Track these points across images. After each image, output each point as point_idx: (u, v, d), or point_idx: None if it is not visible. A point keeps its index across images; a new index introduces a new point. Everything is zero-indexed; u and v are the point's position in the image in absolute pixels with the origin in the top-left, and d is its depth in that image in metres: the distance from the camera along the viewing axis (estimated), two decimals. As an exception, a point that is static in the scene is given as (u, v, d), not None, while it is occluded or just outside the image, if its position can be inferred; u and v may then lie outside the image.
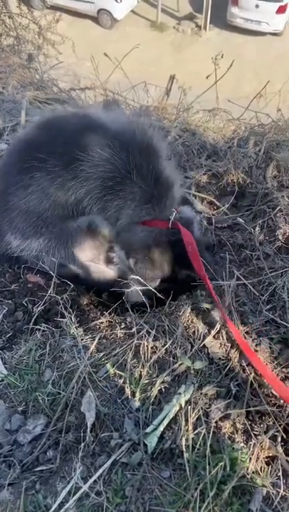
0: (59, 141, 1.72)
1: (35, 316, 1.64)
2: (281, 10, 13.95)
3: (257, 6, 14.01)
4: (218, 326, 1.57)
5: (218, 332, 1.58)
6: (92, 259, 1.89)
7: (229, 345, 1.55)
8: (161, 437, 1.31)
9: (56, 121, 1.88)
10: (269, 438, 1.34)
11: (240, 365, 1.50)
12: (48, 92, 4.07)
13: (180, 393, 1.40)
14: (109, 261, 1.92)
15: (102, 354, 1.54)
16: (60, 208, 1.76)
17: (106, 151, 1.68)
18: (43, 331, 1.60)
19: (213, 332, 1.56)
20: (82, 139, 1.71)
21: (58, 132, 1.76)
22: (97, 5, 14.66)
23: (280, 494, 1.23)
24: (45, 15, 7.75)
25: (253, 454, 1.30)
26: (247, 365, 1.49)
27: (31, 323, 1.63)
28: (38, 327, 1.61)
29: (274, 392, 1.44)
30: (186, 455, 1.25)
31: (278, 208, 2.02)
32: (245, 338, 1.55)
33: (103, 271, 1.91)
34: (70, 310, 1.66)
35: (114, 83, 3.85)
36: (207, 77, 3.39)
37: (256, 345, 1.55)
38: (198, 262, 1.72)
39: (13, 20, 7.48)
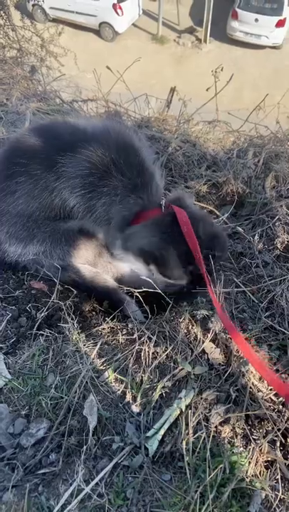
0: (40, 146, 1.80)
1: (38, 322, 1.67)
2: (280, 24, 14.20)
3: (256, 20, 14.25)
4: (214, 330, 1.60)
5: (216, 338, 1.61)
6: (89, 261, 1.92)
7: (229, 351, 1.58)
8: (162, 441, 1.34)
9: (37, 129, 1.95)
10: (268, 442, 1.36)
11: (240, 370, 1.53)
12: (50, 104, 4.14)
13: (180, 398, 1.43)
14: (107, 269, 1.97)
15: (103, 359, 1.57)
16: (48, 210, 1.82)
17: (84, 151, 1.75)
18: (46, 336, 1.63)
19: (210, 336, 1.59)
20: (63, 142, 1.79)
21: (39, 138, 1.82)
22: (99, 18, 14.90)
23: (279, 497, 1.25)
24: (48, 28, 7.90)
25: (252, 458, 1.32)
26: (246, 371, 1.52)
27: (35, 329, 1.66)
28: (42, 332, 1.64)
29: (273, 398, 1.47)
30: (186, 458, 1.27)
31: (277, 217, 2.07)
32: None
33: (99, 277, 1.95)
34: (73, 316, 1.69)
35: (116, 95, 3.92)
36: (207, 90, 3.46)
37: (255, 351, 1.57)
38: (193, 242, 1.74)
39: (16, 32, 7.62)
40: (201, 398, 1.44)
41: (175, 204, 1.86)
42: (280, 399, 1.47)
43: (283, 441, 1.38)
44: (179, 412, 1.40)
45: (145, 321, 1.78)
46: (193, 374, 1.50)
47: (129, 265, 1.99)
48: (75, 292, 1.84)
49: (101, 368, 1.54)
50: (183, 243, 1.82)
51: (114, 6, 14.50)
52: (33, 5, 13.61)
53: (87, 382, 1.46)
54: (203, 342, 1.60)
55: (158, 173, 1.96)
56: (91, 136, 1.80)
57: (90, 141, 1.77)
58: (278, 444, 1.37)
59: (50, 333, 1.64)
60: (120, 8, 14.58)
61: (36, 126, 2.06)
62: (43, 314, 1.69)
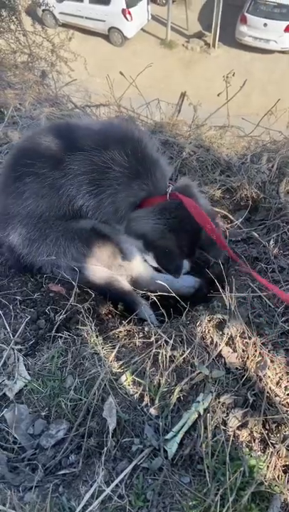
0: (45, 146, 1.84)
1: (57, 324, 1.69)
2: (289, 28, 14.21)
3: (265, 25, 14.28)
4: (231, 334, 1.61)
5: (233, 342, 1.62)
6: (102, 261, 1.94)
7: (246, 356, 1.59)
8: (181, 444, 1.35)
9: (41, 131, 2.00)
10: (286, 447, 1.37)
11: (257, 375, 1.53)
12: (62, 109, 4.19)
13: (198, 401, 1.44)
14: (121, 271, 2.00)
15: (121, 362, 1.58)
16: (56, 209, 1.85)
17: (85, 150, 1.80)
18: (65, 338, 1.65)
19: (225, 339, 1.60)
20: (67, 141, 1.83)
21: (44, 139, 1.86)
22: (108, 23, 15.02)
23: (298, 502, 1.26)
24: (58, 33, 7.98)
25: (270, 462, 1.33)
26: (263, 376, 1.52)
27: (53, 331, 1.68)
28: (60, 335, 1.66)
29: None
30: (205, 461, 1.28)
31: (292, 222, 2.08)
32: (261, 348, 1.58)
33: (114, 279, 1.97)
34: (91, 319, 1.71)
35: (126, 99, 3.95)
36: (218, 95, 3.48)
37: (272, 356, 1.58)
38: (206, 220, 1.82)
39: (27, 38, 7.71)
40: (219, 402, 1.44)
41: (182, 192, 1.91)
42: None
43: (301, 446, 1.39)
44: (197, 416, 1.41)
45: (160, 325, 1.80)
46: (211, 378, 1.51)
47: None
48: (93, 295, 1.86)
49: (119, 370, 1.55)
50: (184, 234, 1.90)
51: (123, 11, 14.62)
52: (43, 10, 13.77)
53: (105, 384, 1.48)
54: (219, 346, 1.61)
55: (163, 160, 2.00)
56: (93, 134, 1.87)
57: (91, 139, 1.82)
58: (296, 448, 1.38)
59: (69, 335, 1.66)
60: (129, 13, 14.69)
61: (38, 129, 2.15)
62: (61, 317, 1.71)
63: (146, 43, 15.65)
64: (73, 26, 14.34)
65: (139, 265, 2.03)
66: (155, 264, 2.00)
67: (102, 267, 1.94)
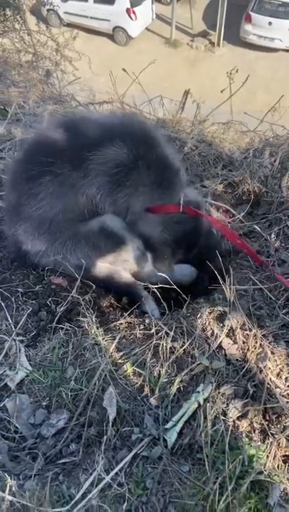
0: (66, 143, 1.78)
1: (58, 316, 1.71)
2: (294, 27, 14.14)
3: (270, 24, 14.23)
4: (231, 326, 1.62)
5: (233, 334, 1.63)
6: (107, 260, 1.95)
7: (246, 347, 1.59)
8: (181, 433, 1.36)
9: (60, 125, 1.92)
10: (286, 437, 1.37)
11: (257, 366, 1.53)
12: (66, 106, 4.20)
13: (198, 392, 1.44)
14: (124, 266, 2.01)
15: (122, 353, 1.59)
16: (71, 212, 1.82)
17: (111, 148, 1.76)
18: (66, 330, 1.66)
19: (225, 331, 1.60)
20: (90, 138, 1.78)
21: (64, 135, 1.80)
22: (112, 22, 15.04)
23: (298, 491, 1.26)
24: (63, 32, 8.00)
25: (270, 452, 1.33)
26: (264, 368, 1.52)
27: (54, 323, 1.69)
28: (61, 326, 1.67)
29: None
30: (205, 450, 1.28)
31: (294, 216, 2.08)
32: (262, 340, 1.58)
33: (117, 273, 1.98)
34: (91, 311, 1.72)
35: (130, 97, 3.96)
36: (222, 91, 3.47)
37: (273, 347, 1.58)
38: (233, 236, 1.93)
39: (31, 37, 7.74)
40: (219, 392, 1.45)
41: (196, 207, 1.94)
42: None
43: (301, 436, 1.39)
44: (196, 406, 1.41)
45: (161, 317, 1.81)
46: (211, 369, 1.52)
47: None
48: (94, 287, 1.87)
49: (119, 361, 1.56)
50: (186, 246, 2.00)
51: (127, 10, 14.62)
52: (48, 10, 13.82)
53: (106, 375, 1.48)
54: (220, 337, 1.61)
55: (182, 170, 2.00)
56: (118, 132, 1.82)
57: (117, 137, 1.78)
58: (296, 439, 1.38)
59: (70, 327, 1.67)
60: (134, 12, 14.69)
61: (59, 122, 2.06)
62: (62, 308, 1.72)
63: (151, 42, 15.65)
64: (78, 26, 14.38)
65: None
66: (150, 265, 2.06)
67: (107, 263, 1.95)
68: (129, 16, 14.75)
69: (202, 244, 2.05)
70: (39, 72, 5.93)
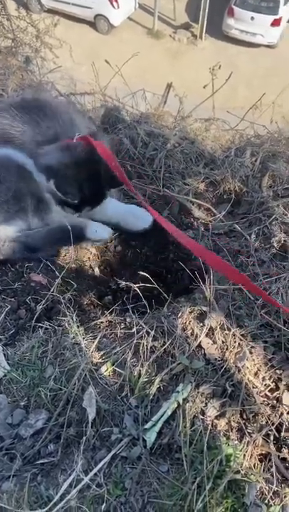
0: None
1: (37, 314, 1.68)
2: (276, 23, 14.23)
3: (252, 18, 14.26)
4: (211, 326, 1.63)
5: (213, 334, 1.64)
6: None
7: (225, 347, 1.61)
8: (160, 433, 1.37)
9: None
10: (262, 436, 1.40)
11: (236, 366, 1.56)
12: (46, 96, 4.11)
13: (178, 391, 1.45)
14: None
15: (102, 352, 1.58)
16: None
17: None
18: (46, 328, 1.64)
19: (205, 330, 1.61)
20: None
21: None
22: (94, 10, 14.75)
23: (272, 490, 1.29)
24: (44, 18, 7.78)
25: (247, 451, 1.36)
26: (242, 367, 1.55)
27: (34, 321, 1.67)
28: (41, 325, 1.65)
29: (268, 394, 1.51)
30: (183, 450, 1.30)
31: (273, 216, 2.10)
32: (241, 340, 1.61)
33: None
34: (72, 309, 1.71)
35: (112, 89, 3.91)
36: (204, 87, 3.47)
37: (251, 347, 1.61)
38: (111, 158, 1.94)
39: (11, 22, 7.50)
40: (198, 392, 1.46)
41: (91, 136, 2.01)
42: (275, 394, 1.51)
43: (277, 435, 1.42)
44: (176, 406, 1.42)
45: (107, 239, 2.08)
46: (191, 368, 1.53)
47: None
48: (75, 285, 1.85)
49: (100, 361, 1.56)
50: (86, 167, 1.96)
51: (110, -2, 14.38)
52: (29, -6, 13.45)
53: (86, 374, 1.48)
54: (199, 337, 1.62)
55: (78, 116, 2.17)
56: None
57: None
58: (272, 437, 1.41)
59: (50, 325, 1.65)
60: (116, 0, 14.44)
61: None
62: (42, 307, 1.70)
63: (133, 32, 15.45)
64: (59, 12, 14.05)
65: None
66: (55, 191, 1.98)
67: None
68: (112, 4, 14.49)
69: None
70: (18, 59, 5.77)
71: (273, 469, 1.33)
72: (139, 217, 2.18)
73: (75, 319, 1.65)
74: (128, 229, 2.23)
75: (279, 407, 1.47)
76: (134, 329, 1.63)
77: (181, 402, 1.42)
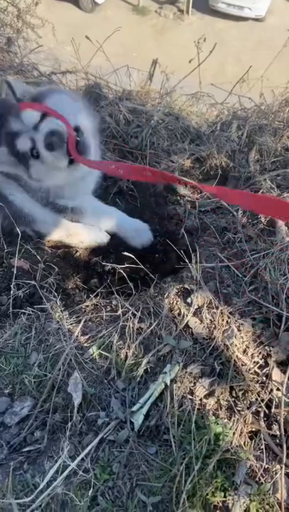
0: None
1: (20, 301, 1.64)
2: (263, -5, 13.87)
3: (239, -9, 13.90)
4: (198, 304, 1.60)
5: (200, 312, 1.61)
6: None
7: (213, 326, 1.58)
8: (147, 415, 1.34)
9: None
10: (252, 413, 1.38)
11: (224, 344, 1.53)
12: (28, 76, 4.00)
13: (165, 372, 1.43)
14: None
15: (87, 336, 1.55)
16: None
17: None
18: (29, 314, 1.60)
19: (192, 310, 1.58)
20: None
21: None
22: (77, -13, 14.32)
23: (263, 467, 1.28)
24: (24, -3, 7.54)
25: (236, 429, 1.34)
26: (230, 345, 1.52)
27: (16, 308, 1.63)
28: (23, 311, 1.61)
29: (257, 370, 1.48)
30: (171, 431, 1.27)
31: (261, 191, 2.05)
32: (228, 317, 1.57)
33: None
34: (55, 294, 1.67)
35: (96, 67, 3.79)
36: (190, 61, 3.36)
37: (240, 324, 1.57)
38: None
39: (-11, 3, 7.26)
40: (186, 372, 1.44)
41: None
42: (264, 371, 1.48)
43: (267, 411, 1.40)
44: (164, 387, 1.39)
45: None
46: (178, 349, 1.50)
47: None
48: (57, 270, 1.81)
49: (85, 345, 1.52)
50: None
51: (93, -26, 13.94)
52: (8, -28, 12.99)
53: (71, 359, 1.44)
54: (187, 317, 1.59)
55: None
56: None
57: None
58: (262, 414, 1.39)
59: (33, 311, 1.61)
60: (99, -23, 14.04)
61: None
62: (24, 293, 1.65)
63: (118, 9, 15.02)
64: (40, -10, 13.62)
65: None
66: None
67: None
68: (95, -20, 14.09)
69: None
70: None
71: (263, 446, 1.31)
72: (141, 234, 2.16)
73: (59, 303, 1.61)
74: (127, 242, 2.17)
75: (268, 383, 1.45)
76: (119, 311, 1.59)
77: (168, 383, 1.40)
